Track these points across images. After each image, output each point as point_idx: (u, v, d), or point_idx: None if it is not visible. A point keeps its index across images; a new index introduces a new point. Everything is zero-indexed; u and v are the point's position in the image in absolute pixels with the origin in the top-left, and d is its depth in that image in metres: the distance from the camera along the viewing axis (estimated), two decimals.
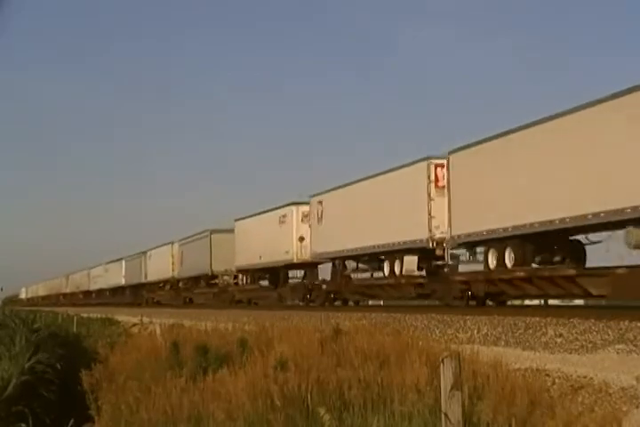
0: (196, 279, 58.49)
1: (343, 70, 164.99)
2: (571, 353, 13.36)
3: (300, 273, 44.71)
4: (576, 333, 15.42)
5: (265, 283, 48.05)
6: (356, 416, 9.62)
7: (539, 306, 31.41)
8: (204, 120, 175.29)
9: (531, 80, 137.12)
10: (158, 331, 21.81)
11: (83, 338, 27.99)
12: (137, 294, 73.88)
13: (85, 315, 40.88)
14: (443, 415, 7.61)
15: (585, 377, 10.65)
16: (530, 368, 11.54)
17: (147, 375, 14.99)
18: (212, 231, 55.08)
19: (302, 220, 41.64)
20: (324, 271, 41.80)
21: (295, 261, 42.14)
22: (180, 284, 62.44)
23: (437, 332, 17.92)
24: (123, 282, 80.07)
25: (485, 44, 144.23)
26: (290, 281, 45.01)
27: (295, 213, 42.34)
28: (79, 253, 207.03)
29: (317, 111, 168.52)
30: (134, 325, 28.88)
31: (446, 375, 7.60)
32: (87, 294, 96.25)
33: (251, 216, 49.22)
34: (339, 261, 38.41)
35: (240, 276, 51.42)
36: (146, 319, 28.97)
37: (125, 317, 35.94)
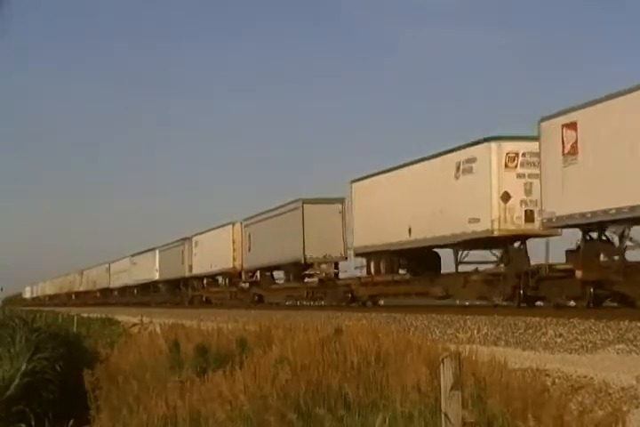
0: (269, 270, 44.78)
1: (343, 70, 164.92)
2: (571, 353, 13.39)
3: (468, 256, 28.56)
4: (576, 333, 15.45)
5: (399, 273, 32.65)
6: (356, 416, 9.62)
7: (538, 306, 31.34)
8: (203, 120, 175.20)
9: (530, 80, 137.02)
10: (158, 331, 21.79)
11: (83, 338, 27.99)
12: (177, 292, 60.07)
13: (85, 315, 40.87)
14: (442, 415, 7.61)
15: (585, 377, 10.66)
16: (530, 368, 11.54)
17: (147, 375, 15.00)
18: (305, 201, 38.73)
19: (506, 165, 25.82)
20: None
21: (496, 233, 25.80)
22: (243, 277, 47.91)
23: (437, 332, 17.96)
24: (156, 277, 65.21)
25: (486, 43, 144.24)
26: (459, 268, 28.62)
27: (495, 154, 25.81)
28: (79, 253, 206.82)
29: (317, 111, 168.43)
30: (134, 325, 28.80)
31: (446, 375, 7.59)
32: (106, 292, 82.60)
33: (383, 172, 32.66)
34: (620, 228, 22.40)
35: (353, 263, 36.56)
36: (146, 319, 28.93)
37: (125, 317, 35.93)
